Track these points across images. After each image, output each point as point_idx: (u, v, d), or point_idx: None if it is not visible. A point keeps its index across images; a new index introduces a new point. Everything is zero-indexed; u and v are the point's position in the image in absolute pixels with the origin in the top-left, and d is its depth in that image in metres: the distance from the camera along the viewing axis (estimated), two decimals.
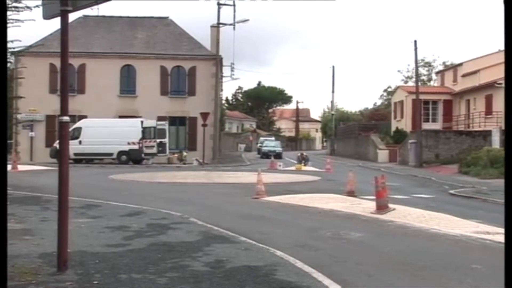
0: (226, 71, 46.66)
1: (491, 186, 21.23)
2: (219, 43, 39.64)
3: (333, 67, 66.62)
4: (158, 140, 35.56)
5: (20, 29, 15.64)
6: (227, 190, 19.37)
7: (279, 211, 13.69)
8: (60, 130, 6.87)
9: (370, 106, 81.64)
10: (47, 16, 6.96)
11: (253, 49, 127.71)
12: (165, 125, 37.03)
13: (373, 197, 14.03)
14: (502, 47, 43.30)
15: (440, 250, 9.06)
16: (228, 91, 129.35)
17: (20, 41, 16.19)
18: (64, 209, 6.63)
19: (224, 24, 39.85)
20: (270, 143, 54.85)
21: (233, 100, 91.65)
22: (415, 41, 38.98)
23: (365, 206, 14.31)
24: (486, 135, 35.56)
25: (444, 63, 68.77)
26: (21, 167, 28.48)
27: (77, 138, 33.67)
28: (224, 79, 47.43)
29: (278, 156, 47.95)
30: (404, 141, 42.13)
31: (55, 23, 6.90)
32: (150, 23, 43.24)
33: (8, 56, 17.71)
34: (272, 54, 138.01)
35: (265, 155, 49.67)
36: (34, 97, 35.03)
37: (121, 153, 34.60)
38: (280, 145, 55.27)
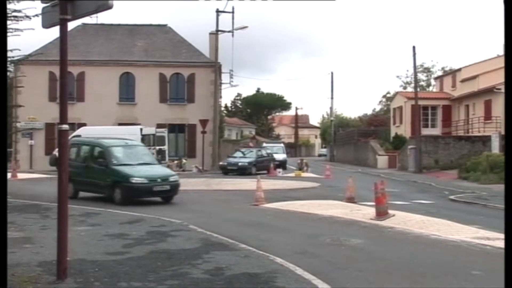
0: (225, 78, 46.70)
1: (491, 192, 21.22)
2: (218, 50, 39.70)
3: (332, 73, 67.01)
4: (157, 148, 35.45)
5: (20, 38, 15.66)
6: (227, 197, 19.36)
7: (279, 218, 13.67)
8: (59, 138, 6.88)
9: (369, 112, 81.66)
10: (46, 25, 6.99)
11: (254, 55, 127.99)
12: (164, 132, 36.94)
13: (373, 203, 14.03)
14: (501, 52, 43.34)
15: (440, 256, 9.05)
16: (227, 98, 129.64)
17: (19, 50, 16.19)
18: (64, 217, 6.63)
19: (223, 31, 39.91)
20: (246, 152, 36.69)
21: (232, 107, 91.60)
22: (414, 47, 39.04)
23: (365, 212, 14.30)
24: (485, 140, 35.54)
25: (443, 68, 68.90)
26: (20, 175, 28.45)
27: None
28: (223, 86, 47.47)
29: (244, 171, 32.75)
30: (403, 147, 42.14)
31: (55, 31, 6.91)
32: (149, 31, 43.31)
33: (8, 65, 17.73)
34: (273, 61, 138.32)
35: (225, 170, 33.60)
36: (33, 105, 35.03)
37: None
38: (256, 154, 35.77)
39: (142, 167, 16.56)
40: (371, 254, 9.17)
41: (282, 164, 38.71)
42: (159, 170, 17.18)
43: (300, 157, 56.59)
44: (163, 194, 16.41)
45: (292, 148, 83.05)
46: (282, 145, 47.93)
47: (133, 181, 15.63)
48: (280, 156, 41.12)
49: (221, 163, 35.82)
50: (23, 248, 8.79)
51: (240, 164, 33.50)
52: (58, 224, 6.65)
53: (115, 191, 15.87)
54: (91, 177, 16.71)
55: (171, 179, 16.62)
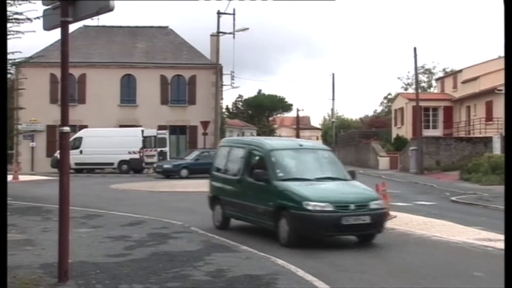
0: (226, 79, 46.68)
1: (493, 193, 21.18)
2: (219, 51, 39.73)
3: (333, 74, 66.87)
4: (158, 149, 35.55)
5: (21, 40, 15.70)
6: None
7: None
8: (60, 140, 6.88)
9: (371, 113, 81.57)
10: (47, 27, 7.00)
11: (255, 57, 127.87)
12: (165, 134, 37.05)
13: None
14: (502, 54, 43.36)
15: (442, 258, 9.04)
16: (228, 99, 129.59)
17: (20, 52, 16.22)
18: (65, 219, 6.63)
19: (224, 33, 39.93)
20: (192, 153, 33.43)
21: (234, 108, 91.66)
22: (415, 48, 39.00)
23: None
24: (486, 141, 35.51)
25: (444, 69, 68.82)
26: (22, 178, 28.47)
27: (78, 147, 33.68)
28: (224, 87, 47.49)
29: (169, 174, 30.83)
30: (404, 148, 42.10)
31: (56, 33, 6.91)
32: (150, 33, 43.35)
33: (9, 67, 17.76)
34: (274, 63, 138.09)
35: (157, 172, 31.74)
36: (34, 107, 35.06)
37: (122, 162, 34.58)
38: (194, 156, 32.38)
39: (325, 185, 10.59)
40: (372, 256, 9.17)
41: None
42: (353, 190, 10.64)
43: None
44: (357, 230, 10.04)
45: None
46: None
47: (309, 208, 9.61)
48: None
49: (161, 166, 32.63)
50: (24, 250, 8.79)
51: (165, 166, 31.84)
52: (60, 226, 6.65)
53: (280, 222, 10.00)
54: (246, 197, 11.14)
55: (373, 205, 10.13)
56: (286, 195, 10.06)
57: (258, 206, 10.66)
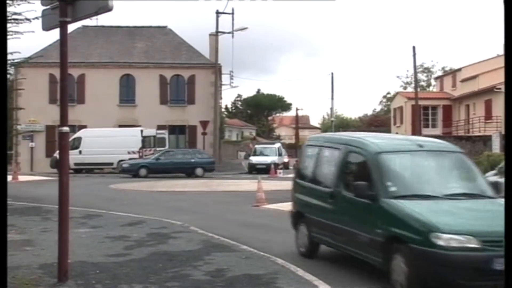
0: (225, 79, 46.73)
1: None
2: (218, 51, 39.75)
3: (332, 73, 67.06)
4: (158, 149, 35.59)
5: (20, 41, 15.69)
6: (227, 198, 19.35)
7: (280, 219, 13.63)
8: (60, 140, 6.89)
9: (370, 112, 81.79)
10: (46, 27, 7.01)
11: (254, 57, 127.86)
12: (164, 134, 37.06)
13: None
14: (501, 52, 43.45)
15: None
16: (227, 99, 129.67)
17: (19, 52, 16.20)
18: (65, 219, 6.64)
19: (223, 33, 39.96)
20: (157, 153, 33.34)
21: (233, 108, 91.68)
22: (414, 47, 39.12)
23: None
24: (486, 140, 35.53)
25: (443, 68, 68.94)
26: (21, 178, 28.45)
27: (77, 148, 33.69)
28: (223, 87, 47.50)
29: (129, 173, 31.20)
30: None
31: (55, 34, 6.94)
32: (149, 33, 43.34)
33: (8, 68, 17.75)
34: (273, 62, 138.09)
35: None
36: (34, 107, 35.06)
37: (121, 162, 34.59)
38: (155, 156, 32.62)
39: (461, 205, 7.11)
40: None
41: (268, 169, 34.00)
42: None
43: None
44: None
45: (293, 149, 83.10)
46: (277, 146, 42.03)
47: (441, 243, 6.29)
48: (267, 159, 36.29)
49: None
50: (24, 251, 8.80)
51: (123, 165, 32.17)
52: (59, 226, 6.65)
53: (394, 259, 6.77)
54: (341, 219, 7.98)
55: None
56: (403, 220, 6.77)
57: (359, 233, 7.47)
